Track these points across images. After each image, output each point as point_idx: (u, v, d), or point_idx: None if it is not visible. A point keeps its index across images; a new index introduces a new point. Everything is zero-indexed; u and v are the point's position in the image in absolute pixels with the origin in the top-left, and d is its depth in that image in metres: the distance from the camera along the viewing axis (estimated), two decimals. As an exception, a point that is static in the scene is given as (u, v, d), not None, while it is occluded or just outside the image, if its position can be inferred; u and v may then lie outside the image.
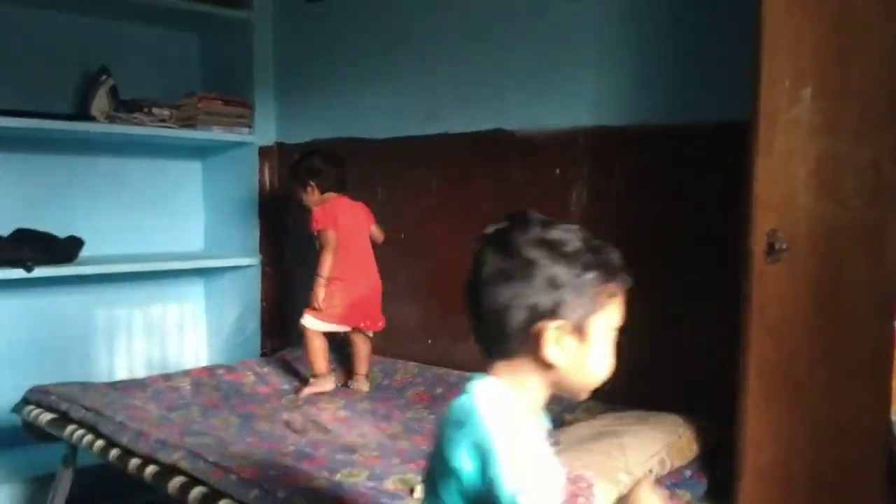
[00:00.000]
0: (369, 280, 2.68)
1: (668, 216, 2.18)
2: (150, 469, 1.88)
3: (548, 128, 2.41)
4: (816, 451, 1.59)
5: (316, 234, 2.64)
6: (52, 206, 3.11)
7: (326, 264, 2.60)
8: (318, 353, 2.64)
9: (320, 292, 2.59)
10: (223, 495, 1.67)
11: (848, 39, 1.53)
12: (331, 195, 2.68)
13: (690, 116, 2.11)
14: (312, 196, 2.70)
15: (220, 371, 2.86)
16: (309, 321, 2.61)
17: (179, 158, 3.49)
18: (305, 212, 2.73)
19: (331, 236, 2.60)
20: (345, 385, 2.72)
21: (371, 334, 2.71)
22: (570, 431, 1.85)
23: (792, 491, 1.61)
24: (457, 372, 2.60)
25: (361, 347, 2.70)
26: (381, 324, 2.70)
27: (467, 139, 2.63)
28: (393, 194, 2.91)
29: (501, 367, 1.11)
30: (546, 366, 1.09)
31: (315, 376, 2.65)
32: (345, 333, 2.71)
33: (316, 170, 2.70)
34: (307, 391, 2.62)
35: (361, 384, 2.68)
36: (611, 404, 2.18)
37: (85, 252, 2.95)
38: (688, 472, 1.81)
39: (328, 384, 2.65)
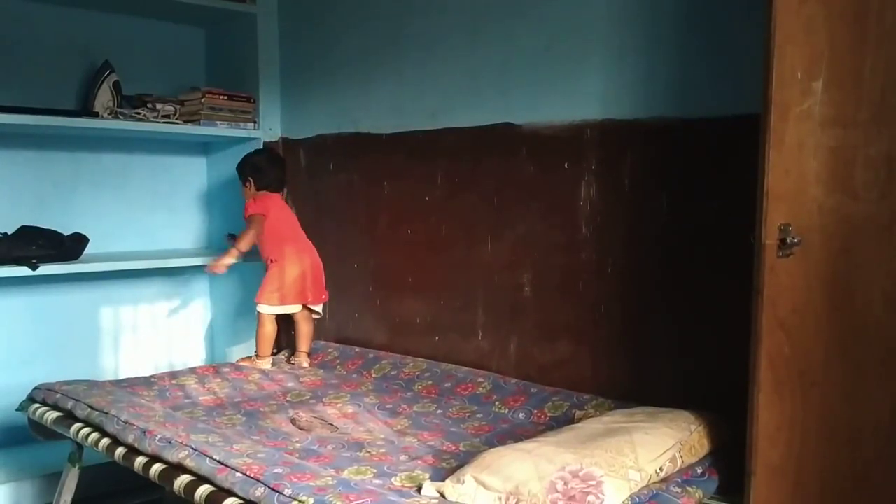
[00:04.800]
0: (305, 261, 2.94)
1: (678, 210, 2.16)
2: (156, 467, 1.87)
3: (556, 121, 2.40)
4: (830, 447, 1.57)
5: (247, 219, 2.95)
6: (56, 204, 3.11)
7: (245, 238, 2.92)
8: (266, 339, 2.95)
9: (227, 259, 2.94)
10: (229, 493, 1.66)
11: (861, 29, 1.51)
12: (266, 193, 2.99)
13: (700, 109, 2.09)
14: (250, 190, 3.01)
15: (226, 369, 2.86)
16: (263, 308, 2.92)
17: (184, 154, 3.49)
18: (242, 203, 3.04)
19: (258, 220, 2.93)
20: (288, 361, 3.04)
21: (315, 315, 3.02)
22: (580, 428, 1.84)
23: (805, 487, 1.59)
24: (465, 368, 2.60)
25: (303, 327, 3.00)
26: (323, 297, 3.00)
27: (474, 133, 2.62)
28: (399, 189, 2.89)
29: None
30: None
31: (258, 356, 2.97)
32: (292, 315, 3.00)
33: (258, 168, 3.00)
34: (246, 363, 2.97)
35: (302, 359, 2.99)
36: (621, 401, 2.17)
37: (90, 249, 2.95)
38: (699, 469, 1.79)
39: (265, 364, 2.95)
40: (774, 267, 1.56)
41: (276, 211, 2.96)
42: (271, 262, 2.91)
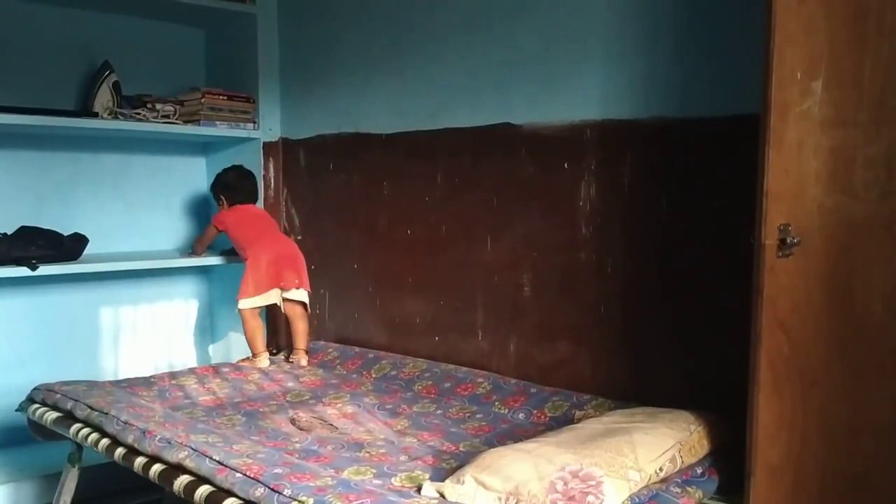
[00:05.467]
0: (276, 249, 2.98)
1: (678, 210, 2.16)
2: (156, 468, 1.87)
3: (555, 121, 2.40)
4: (829, 447, 1.57)
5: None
6: (55, 204, 3.11)
7: (197, 245, 3.21)
8: (254, 335, 2.99)
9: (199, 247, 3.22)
10: (229, 494, 1.66)
11: (861, 29, 1.51)
12: (237, 206, 3.09)
13: (700, 109, 2.09)
14: (223, 206, 3.11)
15: (226, 369, 2.86)
16: (242, 303, 2.93)
17: (183, 154, 3.49)
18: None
19: (210, 231, 3.13)
20: (287, 360, 3.04)
21: (299, 303, 3.00)
22: (580, 428, 1.83)
23: (804, 487, 1.59)
24: (465, 368, 2.60)
25: (298, 324, 3.01)
26: (297, 282, 2.98)
27: (474, 133, 2.62)
28: (399, 189, 2.89)
29: None
30: None
31: (254, 355, 2.99)
32: (285, 315, 3.04)
33: (227, 186, 3.11)
34: (245, 363, 2.97)
35: (300, 357, 3.00)
36: (621, 401, 2.17)
37: (89, 250, 2.95)
38: (699, 469, 1.79)
39: (264, 361, 2.97)
40: (774, 267, 1.56)
41: (246, 218, 3.06)
42: (245, 258, 2.98)
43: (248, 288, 2.92)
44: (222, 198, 3.10)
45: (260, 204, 3.24)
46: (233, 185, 3.10)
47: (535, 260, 2.48)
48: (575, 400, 2.25)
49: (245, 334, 2.99)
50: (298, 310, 3.01)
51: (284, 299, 2.98)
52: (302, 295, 2.99)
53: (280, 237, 3.08)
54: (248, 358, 3.01)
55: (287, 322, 3.06)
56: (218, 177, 3.13)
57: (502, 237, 2.56)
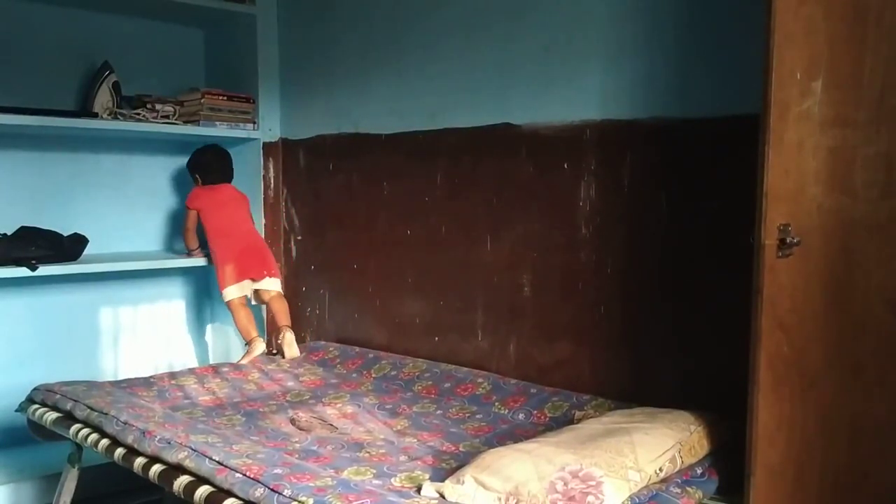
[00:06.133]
0: (243, 239, 3.10)
1: (678, 210, 2.16)
2: (156, 468, 1.87)
3: (555, 122, 2.40)
4: (829, 446, 1.57)
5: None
6: (55, 204, 3.11)
7: (185, 235, 3.22)
8: (246, 322, 3.04)
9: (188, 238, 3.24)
10: (228, 494, 1.66)
11: (861, 29, 1.51)
12: (211, 186, 3.17)
13: (700, 109, 2.09)
14: (197, 184, 3.19)
15: (225, 369, 2.86)
16: (227, 292, 3.03)
17: (183, 155, 3.48)
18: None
19: (190, 216, 3.17)
20: (274, 352, 3.07)
21: (277, 292, 3.08)
22: (580, 428, 1.83)
23: (805, 487, 1.59)
24: (465, 368, 2.60)
25: (276, 305, 3.08)
26: (265, 272, 3.07)
27: (474, 133, 2.62)
28: (399, 190, 2.89)
29: None
30: None
31: (248, 344, 3.02)
32: (262, 303, 3.13)
33: (200, 165, 3.19)
34: (245, 359, 2.96)
35: (284, 333, 3.00)
36: (621, 401, 2.17)
37: (89, 250, 2.95)
38: (699, 469, 1.79)
39: (260, 348, 3.01)
40: (774, 267, 1.56)
41: (217, 200, 3.14)
42: (213, 248, 3.10)
43: (225, 277, 3.02)
44: (197, 177, 3.19)
45: (243, 188, 3.28)
46: (204, 165, 3.18)
47: (535, 260, 2.48)
48: (575, 400, 2.25)
49: (237, 325, 3.05)
50: (273, 293, 3.07)
51: (256, 291, 3.07)
52: (273, 283, 3.07)
53: (248, 230, 3.16)
54: (246, 353, 3.01)
55: (271, 316, 3.14)
56: (193, 155, 3.22)
57: (502, 237, 2.56)
